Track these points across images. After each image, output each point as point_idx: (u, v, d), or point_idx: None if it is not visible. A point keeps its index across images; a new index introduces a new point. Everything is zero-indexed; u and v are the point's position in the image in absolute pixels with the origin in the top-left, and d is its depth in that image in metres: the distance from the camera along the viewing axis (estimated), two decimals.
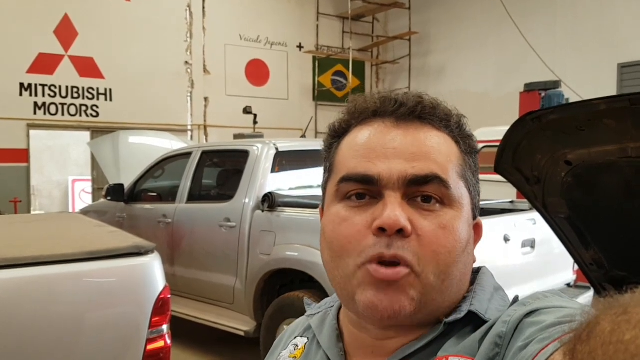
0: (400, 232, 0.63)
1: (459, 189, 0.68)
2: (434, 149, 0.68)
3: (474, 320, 0.66)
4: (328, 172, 0.74)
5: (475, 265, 0.76)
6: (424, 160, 0.66)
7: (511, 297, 0.69)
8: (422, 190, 0.66)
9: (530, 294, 0.64)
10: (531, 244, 3.77)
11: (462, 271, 0.68)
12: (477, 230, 0.74)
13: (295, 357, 0.78)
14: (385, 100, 0.70)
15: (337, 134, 0.75)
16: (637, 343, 0.31)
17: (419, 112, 0.69)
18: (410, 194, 0.66)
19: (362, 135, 0.70)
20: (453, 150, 0.70)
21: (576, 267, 3.08)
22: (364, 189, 0.67)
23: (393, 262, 0.64)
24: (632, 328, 0.32)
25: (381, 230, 0.64)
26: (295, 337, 0.82)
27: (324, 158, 0.76)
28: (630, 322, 0.33)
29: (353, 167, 0.68)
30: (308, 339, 0.79)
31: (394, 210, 0.64)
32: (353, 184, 0.68)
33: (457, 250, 0.66)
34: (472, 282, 0.72)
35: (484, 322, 0.65)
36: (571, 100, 6.11)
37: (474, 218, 0.72)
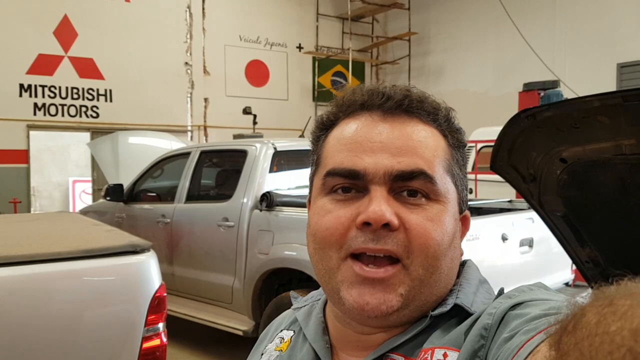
0: (387, 227, 0.63)
1: (445, 184, 0.68)
2: (421, 144, 0.67)
3: (460, 313, 0.66)
4: (315, 165, 0.74)
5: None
6: (410, 155, 0.66)
7: None
8: (408, 185, 0.66)
9: (515, 287, 0.64)
10: (529, 243, 3.76)
11: (449, 265, 0.68)
12: (465, 222, 0.74)
13: (281, 350, 0.78)
14: (373, 93, 0.70)
15: (324, 127, 0.74)
16: (623, 334, 0.31)
17: (406, 106, 0.68)
18: (396, 189, 0.66)
19: (349, 129, 0.70)
20: (440, 145, 0.70)
21: (574, 266, 3.07)
22: (350, 183, 0.67)
23: (378, 257, 0.64)
24: (617, 319, 0.32)
25: (366, 225, 0.64)
26: (281, 330, 0.82)
27: (312, 151, 0.76)
28: (616, 313, 0.32)
29: (339, 161, 0.68)
30: (294, 332, 0.79)
31: (379, 204, 0.64)
32: (339, 178, 0.67)
33: (445, 243, 0.66)
34: (458, 275, 0.72)
35: (470, 314, 0.65)
36: None
37: (461, 212, 0.72)
